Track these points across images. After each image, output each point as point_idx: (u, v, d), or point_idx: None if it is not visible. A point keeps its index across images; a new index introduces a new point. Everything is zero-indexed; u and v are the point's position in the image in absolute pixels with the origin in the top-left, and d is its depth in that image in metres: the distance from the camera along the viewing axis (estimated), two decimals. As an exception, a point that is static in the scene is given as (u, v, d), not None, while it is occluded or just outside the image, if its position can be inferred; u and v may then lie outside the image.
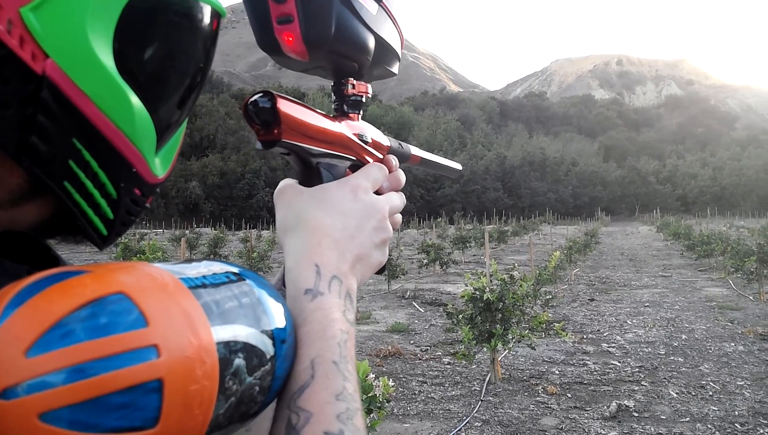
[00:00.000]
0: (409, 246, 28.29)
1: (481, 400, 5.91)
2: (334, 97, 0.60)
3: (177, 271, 0.37)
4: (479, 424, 5.27)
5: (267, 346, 0.40)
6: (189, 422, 0.32)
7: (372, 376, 3.20)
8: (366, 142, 0.60)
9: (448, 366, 7.31)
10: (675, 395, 6.03)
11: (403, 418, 5.48)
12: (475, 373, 6.96)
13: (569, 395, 6.07)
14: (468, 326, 6.31)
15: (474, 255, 26.21)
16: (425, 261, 17.44)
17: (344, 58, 0.56)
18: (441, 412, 5.63)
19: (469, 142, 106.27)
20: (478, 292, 6.37)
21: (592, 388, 6.33)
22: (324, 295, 0.49)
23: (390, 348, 8.03)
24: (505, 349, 7.57)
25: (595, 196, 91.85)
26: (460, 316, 6.56)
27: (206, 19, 0.46)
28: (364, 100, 0.60)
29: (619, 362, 7.38)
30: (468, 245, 25.51)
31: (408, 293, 13.61)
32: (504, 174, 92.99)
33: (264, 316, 0.41)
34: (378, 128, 0.66)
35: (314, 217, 0.53)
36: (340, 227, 0.52)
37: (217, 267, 0.41)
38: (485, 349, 6.44)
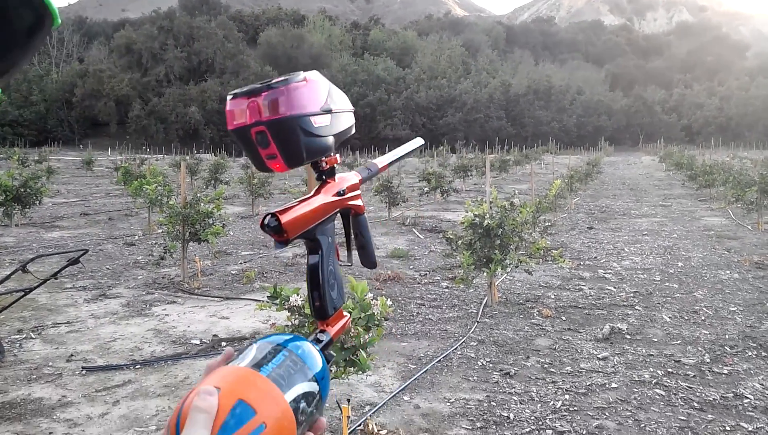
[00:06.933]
0: (410, 174, 28.22)
1: (478, 322, 6.05)
2: (315, 172, 0.79)
3: (256, 367, 0.59)
4: (475, 344, 5.42)
5: (314, 386, 0.63)
6: None
7: (370, 295, 3.26)
8: (342, 193, 0.80)
9: (446, 290, 7.45)
10: (668, 319, 6.16)
11: (401, 337, 5.63)
12: (473, 296, 7.10)
13: (564, 318, 6.21)
14: (468, 252, 6.38)
15: (475, 184, 26.19)
16: (426, 189, 17.45)
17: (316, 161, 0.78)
18: (438, 332, 5.78)
19: (473, 68, 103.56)
20: (478, 219, 6.40)
21: (587, 311, 6.46)
22: None
23: (390, 273, 8.15)
24: (503, 274, 7.69)
25: (600, 126, 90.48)
26: (460, 241, 6.62)
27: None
28: (335, 166, 0.81)
29: (615, 288, 7.50)
30: (469, 174, 25.45)
31: (408, 220, 13.69)
32: (508, 102, 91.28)
33: (307, 370, 0.63)
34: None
35: None
36: None
37: (268, 347, 0.63)
38: (484, 273, 6.53)
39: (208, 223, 7.75)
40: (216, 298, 7.09)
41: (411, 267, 8.83)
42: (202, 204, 7.75)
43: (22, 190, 12.48)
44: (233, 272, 8.49)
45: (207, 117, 79.73)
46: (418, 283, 7.80)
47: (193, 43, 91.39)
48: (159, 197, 8.39)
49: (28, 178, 12.71)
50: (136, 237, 11.62)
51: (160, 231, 10.65)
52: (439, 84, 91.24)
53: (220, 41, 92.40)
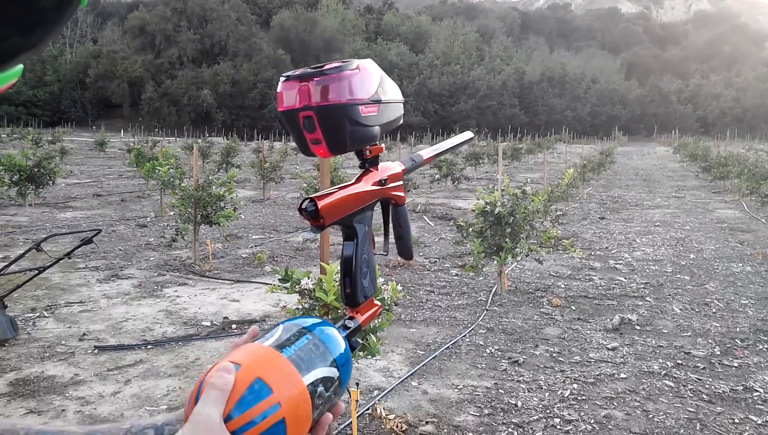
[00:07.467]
0: (422, 160, 28.09)
1: (487, 310, 6.05)
2: (358, 159, 0.79)
3: (278, 347, 0.61)
4: (483, 332, 5.42)
5: (334, 372, 0.64)
6: (301, 431, 0.59)
7: (381, 280, 3.26)
8: (384, 183, 0.80)
9: (456, 277, 7.45)
10: (678, 311, 6.13)
11: (409, 323, 5.65)
12: (482, 284, 7.09)
13: (573, 308, 6.20)
14: (478, 239, 6.37)
15: (486, 172, 26.08)
16: (437, 176, 17.40)
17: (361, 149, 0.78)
18: (447, 319, 5.79)
19: (487, 55, 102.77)
20: (489, 206, 6.38)
21: (597, 301, 6.44)
22: None
23: (399, 259, 8.15)
24: (513, 263, 7.67)
25: (614, 115, 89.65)
26: (470, 229, 6.61)
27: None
28: (379, 155, 0.80)
29: (625, 278, 7.47)
30: (481, 162, 25.33)
31: (419, 207, 13.68)
32: (522, 90, 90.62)
33: (328, 354, 0.64)
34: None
35: None
36: None
37: (293, 329, 0.65)
38: (494, 261, 6.52)
39: (219, 206, 7.79)
40: (227, 281, 7.13)
41: (421, 254, 8.83)
42: (213, 187, 7.78)
43: (36, 170, 12.58)
44: (244, 255, 8.54)
45: (219, 100, 79.81)
46: (428, 270, 7.81)
47: (206, 25, 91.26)
48: (171, 179, 8.44)
49: (41, 158, 12.81)
50: (148, 219, 11.70)
51: (171, 213, 10.72)
52: (453, 70, 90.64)
53: (233, 23, 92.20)
